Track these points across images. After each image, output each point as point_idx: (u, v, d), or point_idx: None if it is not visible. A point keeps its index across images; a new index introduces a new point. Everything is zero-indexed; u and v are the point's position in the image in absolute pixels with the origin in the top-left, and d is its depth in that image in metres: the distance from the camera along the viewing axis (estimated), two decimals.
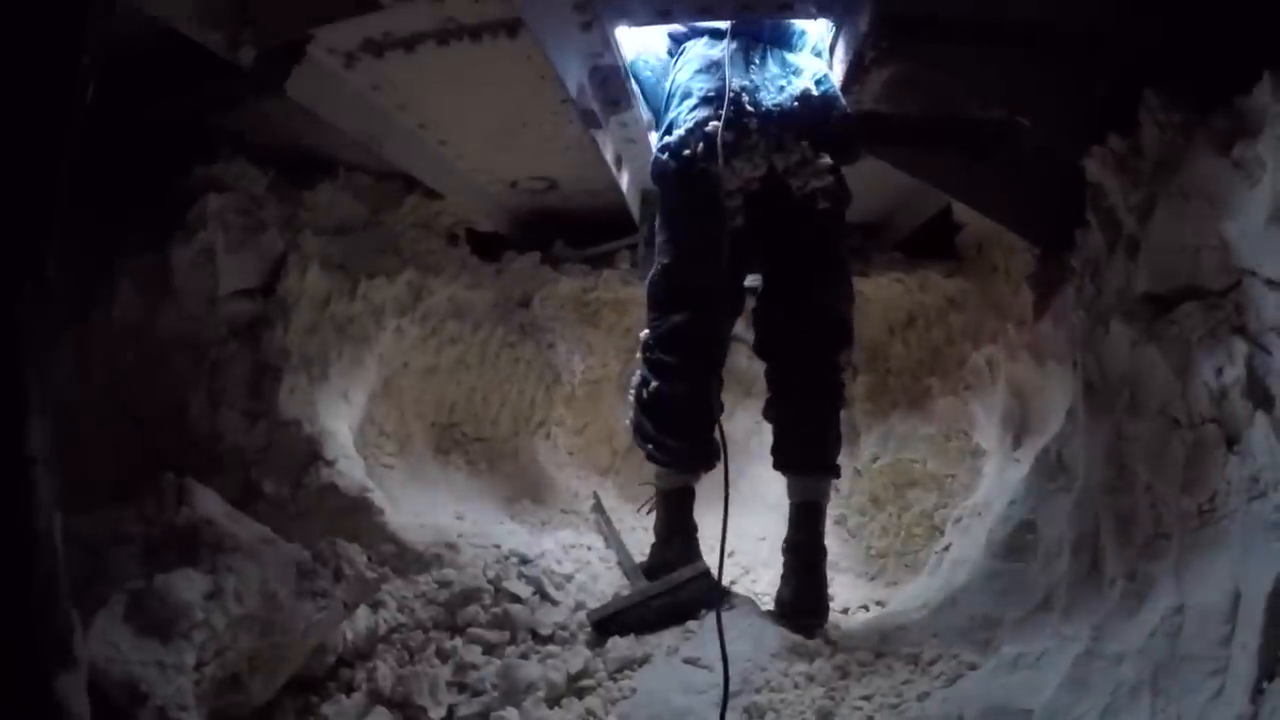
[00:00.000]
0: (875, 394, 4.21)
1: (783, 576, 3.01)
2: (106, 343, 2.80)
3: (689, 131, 2.88)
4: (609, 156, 3.28)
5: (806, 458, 3.01)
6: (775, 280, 3.06)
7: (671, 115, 3.00)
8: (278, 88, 2.36)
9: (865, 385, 4.34)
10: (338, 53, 2.45)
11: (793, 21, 3.04)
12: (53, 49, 1.04)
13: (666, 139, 2.94)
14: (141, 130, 2.76)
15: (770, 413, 3.09)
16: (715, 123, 2.84)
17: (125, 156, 2.91)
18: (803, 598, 2.92)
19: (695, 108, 2.92)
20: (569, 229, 4.14)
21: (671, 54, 3.19)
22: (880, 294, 4.23)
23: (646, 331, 3.02)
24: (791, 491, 3.04)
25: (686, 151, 2.87)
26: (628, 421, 3.11)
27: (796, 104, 2.93)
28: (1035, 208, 3.04)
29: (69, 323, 2.76)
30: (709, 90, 2.93)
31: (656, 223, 3.11)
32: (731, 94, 2.86)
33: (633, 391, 3.06)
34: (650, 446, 3.01)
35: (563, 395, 4.25)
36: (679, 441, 2.97)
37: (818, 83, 2.96)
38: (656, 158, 2.97)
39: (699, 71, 2.99)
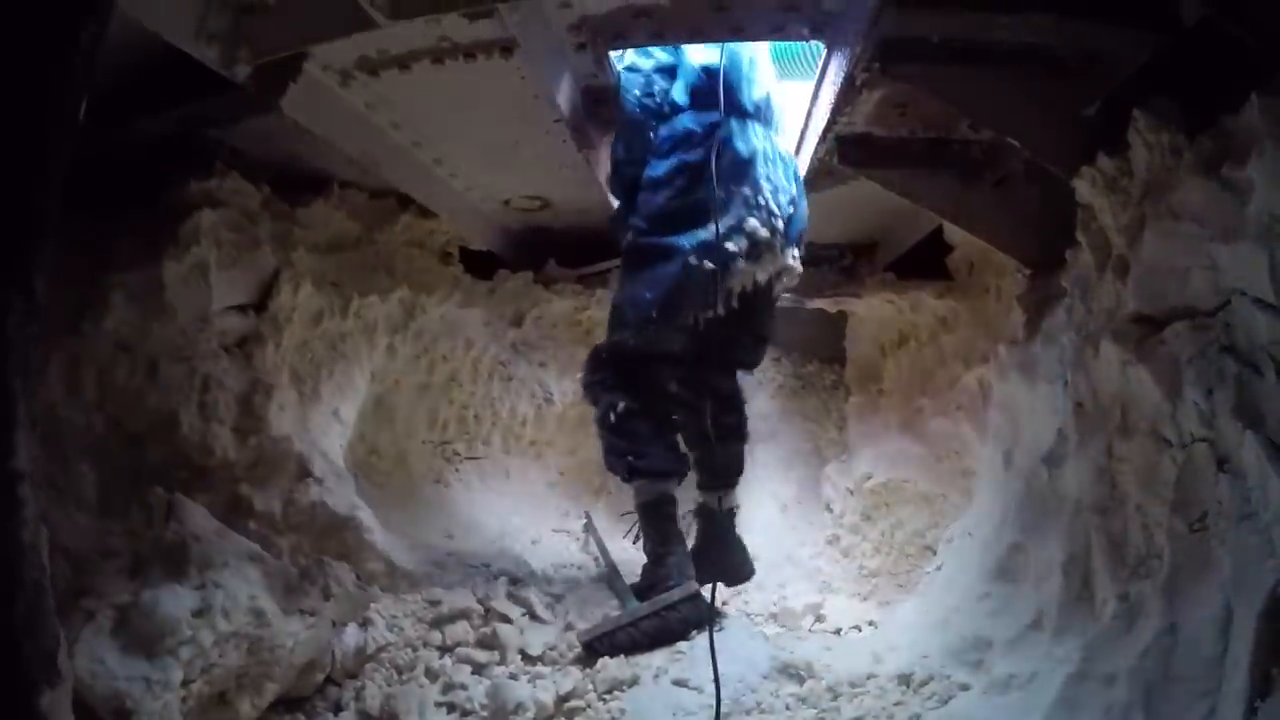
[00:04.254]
0: (867, 414, 4.22)
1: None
2: (97, 356, 2.77)
3: (735, 229, 2.88)
4: (602, 176, 3.29)
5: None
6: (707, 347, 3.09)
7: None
8: (273, 104, 2.37)
9: (857, 405, 4.35)
10: (333, 70, 2.46)
11: (771, 97, 3.12)
12: (45, 62, 1.04)
13: (715, 239, 2.87)
14: (136, 143, 2.76)
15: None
16: (764, 231, 2.90)
17: (119, 170, 2.91)
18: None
19: (739, 206, 2.91)
20: (562, 248, 4.15)
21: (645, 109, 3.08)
22: (872, 314, 4.25)
23: (587, 372, 3.13)
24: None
25: (733, 248, 2.87)
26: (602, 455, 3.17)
27: (792, 207, 3.03)
28: (1025, 228, 3.06)
29: (60, 335, 2.74)
30: (747, 191, 2.93)
31: (640, 282, 3.03)
32: (764, 198, 2.93)
33: (599, 425, 3.10)
34: (629, 459, 3.04)
35: (555, 415, 4.24)
36: (655, 446, 3.06)
37: (796, 177, 3.09)
38: (686, 253, 2.89)
39: (737, 163, 2.95)
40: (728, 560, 3.37)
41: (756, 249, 2.92)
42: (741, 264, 2.90)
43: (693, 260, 2.86)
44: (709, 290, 2.87)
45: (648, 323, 2.96)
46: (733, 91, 3.01)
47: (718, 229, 2.86)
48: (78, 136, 1.12)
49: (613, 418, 3.01)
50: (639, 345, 3.02)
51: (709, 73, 2.97)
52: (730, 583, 3.38)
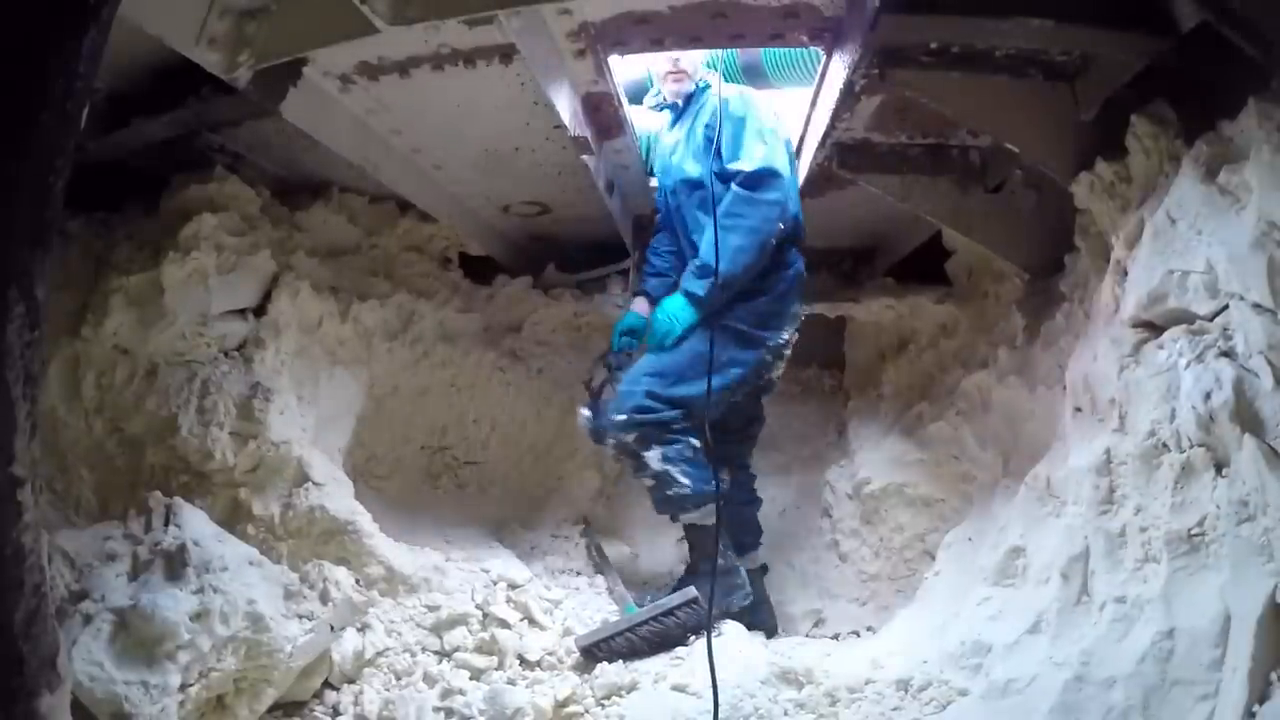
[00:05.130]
0: (866, 418, 4.21)
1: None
2: (96, 360, 2.78)
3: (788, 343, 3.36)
4: (600, 182, 3.29)
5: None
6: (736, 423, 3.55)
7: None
8: (273, 109, 2.37)
9: (856, 410, 4.34)
10: (333, 76, 2.47)
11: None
12: (46, 69, 1.04)
13: (779, 338, 3.30)
14: (137, 146, 2.77)
15: None
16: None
17: (119, 172, 2.91)
18: None
19: (794, 329, 3.38)
20: (561, 254, 4.16)
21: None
22: (871, 319, 4.25)
23: (639, 411, 3.07)
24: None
25: (787, 352, 3.38)
26: (651, 480, 3.12)
27: None
28: (1024, 233, 3.07)
29: (59, 339, 2.75)
30: (798, 306, 3.39)
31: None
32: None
33: (670, 461, 3.06)
34: (715, 484, 3.07)
35: (553, 420, 4.23)
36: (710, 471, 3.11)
37: None
38: (768, 349, 3.27)
39: (801, 285, 3.38)
40: (757, 619, 3.34)
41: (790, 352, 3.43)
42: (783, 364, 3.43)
43: (768, 357, 3.28)
44: (762, 377, 3.34)
45: (726, 389, 3.17)
46: (802, 236, 3.39)
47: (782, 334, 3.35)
48: (78, 142, 1.12)
49: (689, 452, 3.10)
50: (706, 406, 3.16)
51: (796, 221, 3.31)
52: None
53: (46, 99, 1.06)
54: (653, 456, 3.04)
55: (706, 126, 3.26)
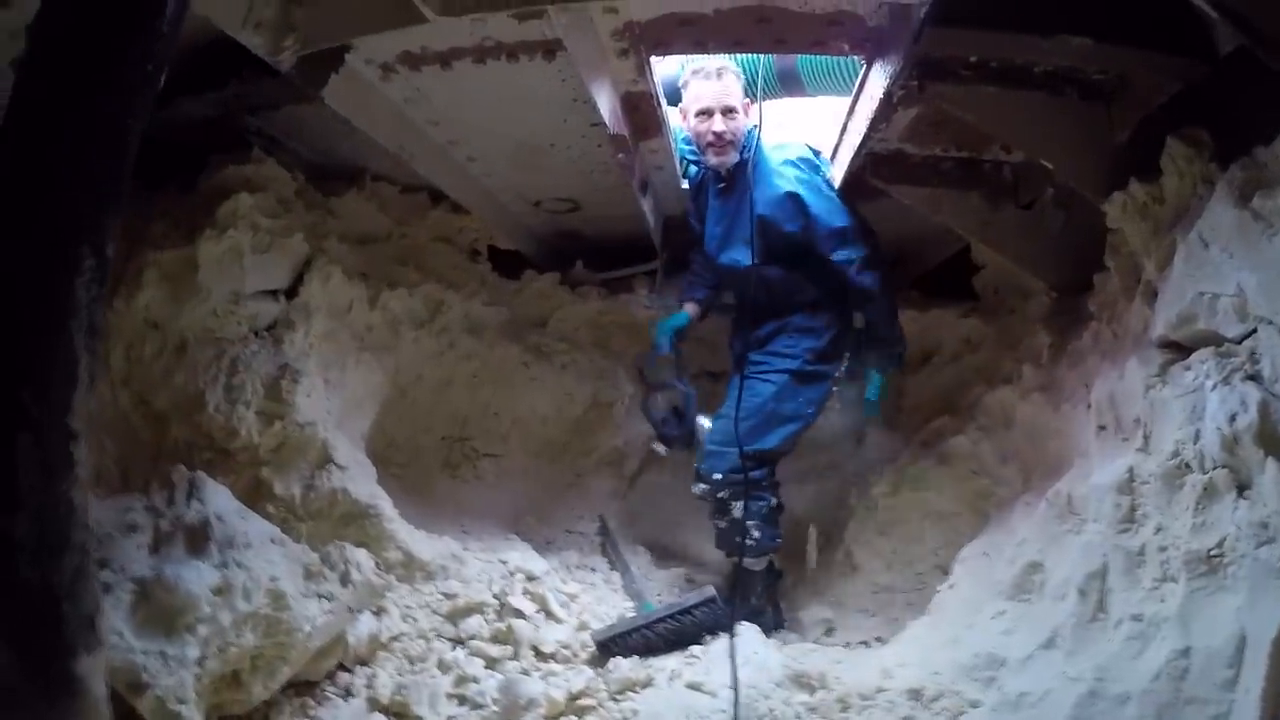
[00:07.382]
0: (886, 430, 4.21)
1: None
2: (126, 333, 2.81)
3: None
4: (634, 182, 3.31)
5: None
6: None
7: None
8: (314, 94, 2.40)
9: (876, 420, 4.34)
10: (375, 64, 2.49)
11: None
12: (133, 30, 1.06)
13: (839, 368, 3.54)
14: (177, 124, 2.80)
15: None
16: None
17: (157, 149, 2.94)
18: None
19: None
20: (589, 251, 4.17)
21: None
22: None
23: (729, 471, 3.26)
24: None
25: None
26: (725, 524, 3.34)
27: None
28: (1053, 251, 3.08)
29: None
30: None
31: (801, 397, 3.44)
32: None
33: (750, 517, 3.26)
34: (778, 540, 3.43)
35: (574, 417, 4.25)
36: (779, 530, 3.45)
37: None
38: (834, 379, 3.54)
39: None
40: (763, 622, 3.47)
41: None
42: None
43: (834, 388, 3.53)
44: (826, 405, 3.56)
45: (801, 431, 3.45)
46: None
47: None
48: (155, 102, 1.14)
49: (766, 511, 3.33)
50: (785, 450, 3.46)
51: None
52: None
53: (136, 34, 1.08)
54: (737, 507, 3.25)
55: (786, 227, 3.33)
